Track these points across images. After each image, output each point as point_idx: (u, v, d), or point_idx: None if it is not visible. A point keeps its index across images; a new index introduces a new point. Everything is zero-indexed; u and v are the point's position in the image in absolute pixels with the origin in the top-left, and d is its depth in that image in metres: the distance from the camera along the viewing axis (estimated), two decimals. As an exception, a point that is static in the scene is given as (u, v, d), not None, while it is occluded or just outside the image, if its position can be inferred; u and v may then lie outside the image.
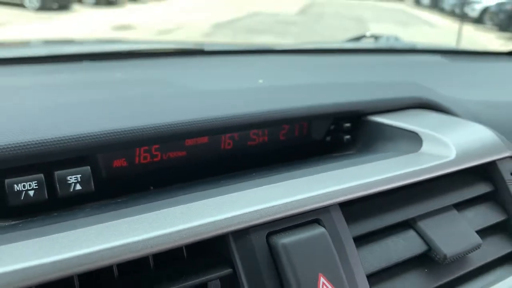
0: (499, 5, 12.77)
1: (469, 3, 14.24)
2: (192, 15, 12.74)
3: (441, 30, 11.71)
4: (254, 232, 0.42)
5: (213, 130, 0.55)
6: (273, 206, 0.43)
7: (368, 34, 1.53)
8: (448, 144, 0.57)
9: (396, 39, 1.55)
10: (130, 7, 13.59)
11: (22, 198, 0.43)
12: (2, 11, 9.86)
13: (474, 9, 13.98)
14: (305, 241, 0.43)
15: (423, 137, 0.60)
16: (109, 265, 0.35)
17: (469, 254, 0.54)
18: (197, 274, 0.39)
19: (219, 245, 0.42)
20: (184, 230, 0.39)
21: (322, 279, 0.41)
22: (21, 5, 10.39)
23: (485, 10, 13.52)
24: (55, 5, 11.18)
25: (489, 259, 0.56)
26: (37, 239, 0.35)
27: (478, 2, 13.90)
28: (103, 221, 0.38)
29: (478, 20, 13.56)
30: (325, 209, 0.46)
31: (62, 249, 0.34)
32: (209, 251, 0.43)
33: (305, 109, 0.61)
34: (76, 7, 11.77)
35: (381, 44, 1.48)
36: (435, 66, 1.17)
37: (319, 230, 0.44)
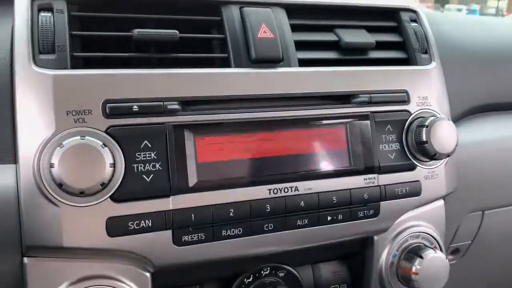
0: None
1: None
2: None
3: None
4: (233, 4, 0.81)
5: None
6: None
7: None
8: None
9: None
10: None
11: None
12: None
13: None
14: (257, 9, 0.81)
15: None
16: None
17: (366, 49, 0.88)
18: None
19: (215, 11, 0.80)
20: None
21: (263, 25, 0.80)
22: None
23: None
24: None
25: (382, 55, 0.90)
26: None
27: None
28: None
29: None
30: (276, 4, 0.84)
31: None
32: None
33: None
34: None
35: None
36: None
37: (266, 9, 0.82)
